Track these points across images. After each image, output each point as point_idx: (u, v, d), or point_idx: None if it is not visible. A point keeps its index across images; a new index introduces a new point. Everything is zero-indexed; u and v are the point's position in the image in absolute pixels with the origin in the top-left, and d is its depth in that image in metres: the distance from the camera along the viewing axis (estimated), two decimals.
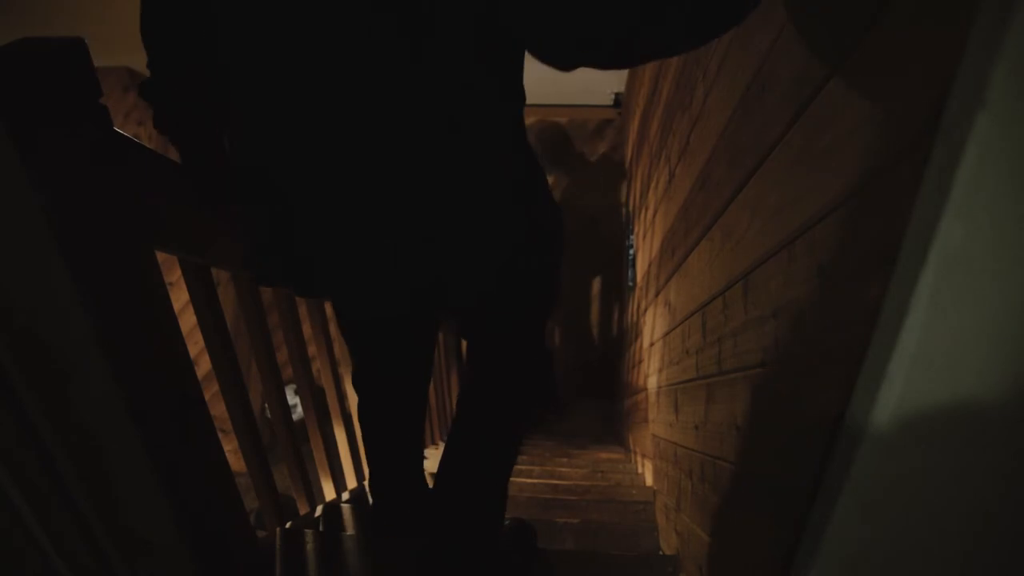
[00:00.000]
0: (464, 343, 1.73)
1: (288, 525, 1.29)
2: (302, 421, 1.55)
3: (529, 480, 2.09)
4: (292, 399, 3.14)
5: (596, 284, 4.07)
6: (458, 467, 1.03)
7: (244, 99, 0.79)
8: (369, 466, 1.21)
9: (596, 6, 0.61)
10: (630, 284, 2.77)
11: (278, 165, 0.80)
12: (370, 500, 1.28)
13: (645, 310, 2.22)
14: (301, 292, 1.02)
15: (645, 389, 2.07)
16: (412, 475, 1.21)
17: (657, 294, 1.87)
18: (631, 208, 3.17)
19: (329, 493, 1.60)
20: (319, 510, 1.48)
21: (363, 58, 0.69)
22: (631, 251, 2.67)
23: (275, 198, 0.82)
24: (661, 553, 1.42)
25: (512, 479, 1.26)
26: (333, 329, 1.71)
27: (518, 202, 0.84)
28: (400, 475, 1.20)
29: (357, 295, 0.93)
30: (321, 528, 1.42)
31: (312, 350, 1.58)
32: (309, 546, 1.20)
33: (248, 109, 0.80)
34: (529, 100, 0.90)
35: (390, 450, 1.19)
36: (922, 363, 0.44)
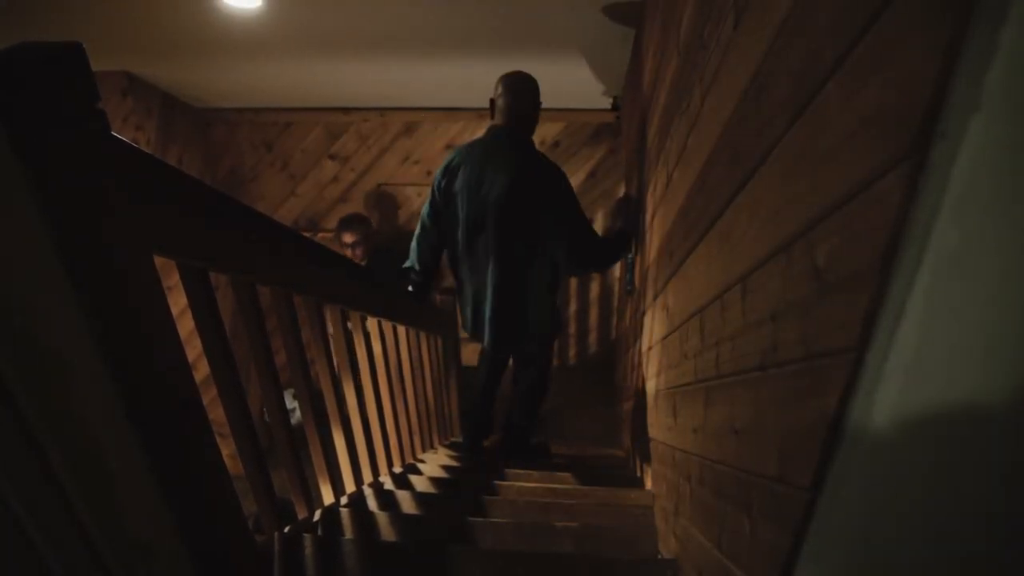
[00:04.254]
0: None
1: (287, 529, 1.29)
2: (301, 425, 1.54)
3: (528, 484, 2.08)
4: (291, 403, 3.13)
5: (595, 287, 4.07)
6: (516, 407, 2.60)
7: (465, 277, 2.36)
8: (473, 411, 2.66)
9: (591, 267, 2.68)
10: (628, 287, 2.77)
11: (475, 294, 2.33)
12: (464, 436, 2.75)
13: (644, 313, 2.22)
14: (480, 339, 2.42)
15: (644, 392, 2.07)
16: (491, 412, 2.67)
17: (655, 297, 1.87)
18: None
19: (328, 497, 1.60)
20: (318, 514, 1.47)
21: (508, 258, 2.24)
22: (630, 254, 2.68)
23: (470, 302, 2.36)
24: (660, 557, 1.42)
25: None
26: (331, 332, 1.71)
27: (550, 313, 2.37)
28: (487, 411, 2.65)
29: (489, 340, 2.35)
30: (320, 532, 1.41)
31: (311, 354, 1.58)
32: (308, 550, 1.19)
33: (464, 277, 2.36)
34: None
35: (486, 398, 2.62)
36: (919, 365, 0.44)
